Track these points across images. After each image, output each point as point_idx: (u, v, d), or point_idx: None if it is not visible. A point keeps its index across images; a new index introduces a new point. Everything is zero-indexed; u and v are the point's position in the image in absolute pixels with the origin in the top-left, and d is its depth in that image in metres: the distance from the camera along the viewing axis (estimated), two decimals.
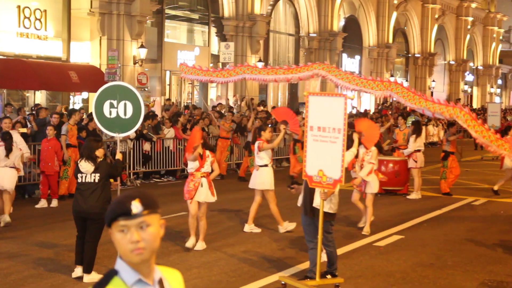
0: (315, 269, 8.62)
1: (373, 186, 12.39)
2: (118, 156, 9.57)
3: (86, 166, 8.82)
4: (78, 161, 9.01)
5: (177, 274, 2.85)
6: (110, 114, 9.48)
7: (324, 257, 8.90)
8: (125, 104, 9.32)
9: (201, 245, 10.78)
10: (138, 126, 9.62)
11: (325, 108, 8.46)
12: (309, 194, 8.74)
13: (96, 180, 8.81)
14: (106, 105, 9.49)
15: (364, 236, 11.98)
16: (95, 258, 8.94)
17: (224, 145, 20.94)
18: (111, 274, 2.68)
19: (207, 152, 10.80)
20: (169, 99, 29.53)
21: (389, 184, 17.10)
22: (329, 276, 8.79)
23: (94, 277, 8.76)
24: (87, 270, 8.87)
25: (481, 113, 49.23)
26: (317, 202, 8.63)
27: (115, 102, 9.39)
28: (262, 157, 12.21)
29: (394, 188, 17.33)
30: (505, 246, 11.50)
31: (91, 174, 8.82)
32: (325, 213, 8.50)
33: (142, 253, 2.64)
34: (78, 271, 8.97)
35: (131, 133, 9.93)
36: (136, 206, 2.64)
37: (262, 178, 12.23)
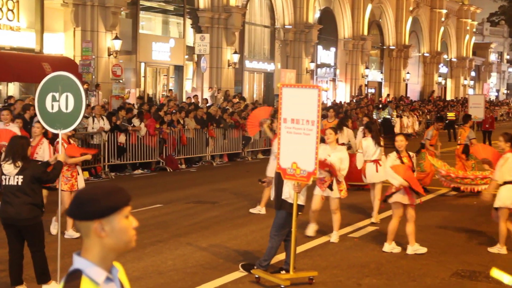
0: (265, 260, 8.71)
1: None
2: (60, 157, 8.32)
3: (8, 168, 7.88)
4: (2, 162, 8.04)
5: (121, 267, 2.82)
6: (52, 108, 8.38)
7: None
8: (67, 97, 8.29)
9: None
10: (79, 121, 8.48)
11: (299, 100, 8.39)
12: (280, 186, 8.73)
13: (19, 183, 7.81)
14: (49, 99, 8.40)
15: (340, 227, 12.00)
16: (48, 266, 8.07)
17: None
18: (77, 275, 2.57)
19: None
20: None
21: (354, 179, 15.91)
22: (283, 272, 8.77)
23: (54, 286, 8.00)
24: (44, 280, 8.02)
25: (455, 104, 49.69)
26: (285, 194, 8.63)
27: (57, 95, 8.36)
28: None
29: (359, 183, 16.08)
30: (478, 237, 11.62)
31: (14, 177, 7.84)
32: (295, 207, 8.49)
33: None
34: None
35: (72, 128, 8.77)
36: None
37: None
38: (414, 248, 10.23)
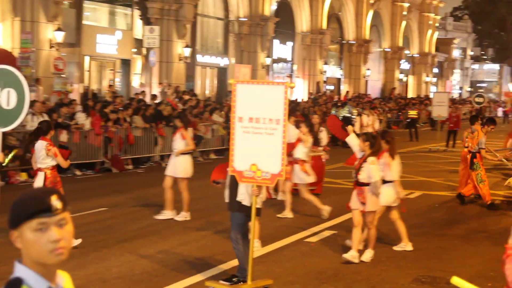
0: (243, 269, 8.63)
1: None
2: None
3: None
4: None
5: (68, 277, 2.79)
6: None
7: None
8: (8, 93, 8.10)
9: None
10: (22, 118, 8.34)
11: (260, 97, 8.23)
12: (235, 188, 8.67)
13: None
14: None
15: (296, 231, 12.07)
16: None
17: None
18: (16, 283, 2.54)
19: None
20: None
21: None
22: (235, 279, 8.77)
23: None
24: None
25: (416, 102, 50.34)
26: (240, 196, 8.59)
27: None
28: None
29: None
30: (439, 241, 11.78)
31: None
32: (255, 210, 8.47)
33: (62, 253, 2.56)
34: None
35: (14, 126, 8.50)
36: (56, 202, 2.57)
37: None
38: (369, 255, 10.19)
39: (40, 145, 10.57)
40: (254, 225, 8.45)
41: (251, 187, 8.45)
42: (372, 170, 9.87)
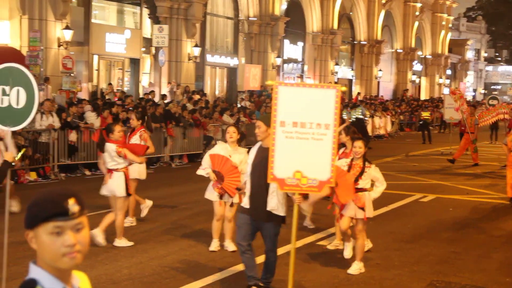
0: (269, 276, 8.60)
1: None
2: (8, 156, 8.05)
3: None
4: None
5: (85, 277, 2.82)
6: (2, 103, 8.12)
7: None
8: (18, 91, 8.07)
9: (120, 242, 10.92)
10: (31, 118, 8.25)
11: (305, 101, 7.83)
12: (262, 196, 8.32)
13: None
14: None
15: (307, 234, 12.09)
16: None
17: None
18: (30, 285, 2.57)
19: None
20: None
21: None
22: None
23: None
24: None
25: (428, 105, 50.24)
26: (272, 205, 8.25)
27: (7, 89, 8.10)
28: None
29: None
30: (453, 245, 11.78)
31: None
32: (281, 217, 8.37)
33: (76, 257, 2.57)
34: None
35: (24, 126, 8.51)
36: (73, 206, 2.57)
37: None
38: (357, 266, 9.80)
39: (110, 148, 10.85)
40: (294, 235, 8.01)
41: (284, 195, 8.22)
42: (379, 174, 9.78)
